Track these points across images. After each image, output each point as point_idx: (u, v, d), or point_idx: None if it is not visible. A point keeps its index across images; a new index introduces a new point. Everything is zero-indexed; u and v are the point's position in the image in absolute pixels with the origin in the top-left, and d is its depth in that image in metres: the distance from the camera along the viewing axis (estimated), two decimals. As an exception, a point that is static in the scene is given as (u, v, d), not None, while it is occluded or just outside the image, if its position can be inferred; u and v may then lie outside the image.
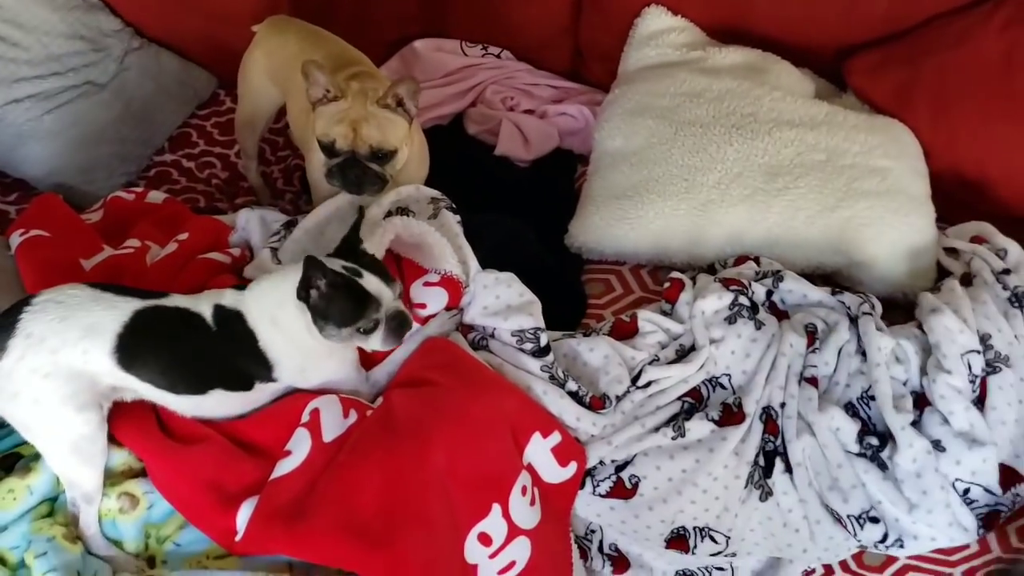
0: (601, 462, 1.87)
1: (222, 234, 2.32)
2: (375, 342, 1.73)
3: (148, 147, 2.84)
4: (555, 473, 1.82)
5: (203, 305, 1.76)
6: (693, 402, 1.95)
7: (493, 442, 1.76)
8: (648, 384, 1.93)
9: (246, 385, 1.77)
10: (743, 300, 2.05)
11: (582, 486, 1.86)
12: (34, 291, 2.00)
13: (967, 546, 1.88)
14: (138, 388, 1.71)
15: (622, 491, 1.86)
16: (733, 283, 2.07)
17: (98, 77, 2.76)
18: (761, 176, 2.30)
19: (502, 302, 1.96)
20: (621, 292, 2.33)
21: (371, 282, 1.70)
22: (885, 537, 1.83)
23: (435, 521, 1.67)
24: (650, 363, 1.97)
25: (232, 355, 1.74)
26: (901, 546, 1.84)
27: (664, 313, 2.13)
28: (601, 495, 1.86)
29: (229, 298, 1.78)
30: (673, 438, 1.87)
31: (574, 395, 1.89)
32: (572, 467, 1.82)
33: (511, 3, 2.88)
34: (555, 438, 1.81)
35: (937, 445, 1.85)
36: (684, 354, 2.01)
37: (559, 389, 1.88)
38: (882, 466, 1.85)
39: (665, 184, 2.34)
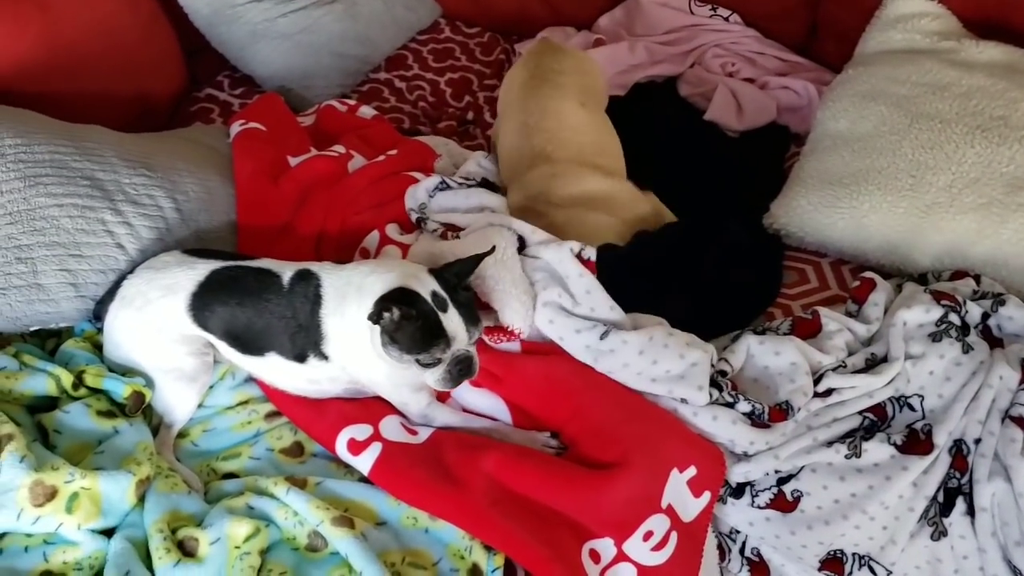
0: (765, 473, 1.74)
1: (428, 159, 2.34)
2: (431, 379, 1.65)
3: (366, 64, 2.91)
4: (691, 508, 1.68)
5: (287, 268, 1.79)
6: (875, 419, 1.78)
7: (626, 489, 1.64)
8: (828, 392, 1.77)
9: (300, 356, 1.75)
10: (953, 318, 1.84)
11: (739, 496, 1.74)
12: (241, 177, 2.13)
13: None
14: (216, 345, 1.81)
15: (782, 504, 1.72)
16: (945, 298, 1.87)
17: (332, -11, 2.83)
18: (1001, 186, 2.05)
19: (660, 368, 1.75)
20: (816, 286, 2.16)
21: (452, 320, 1.61)
22: (1072, 611, 1.61)
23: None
24: (834, 369, 1.80)
25: (292, 317, 1.74)
26: (1090, 625, 1.61)
27: (849, 315, 1.96)
28: (759, 507, 1.73)
29: (318, 265, 1.79)
30: (847, 456, 1.71)
31: (748, 414, 1.73)
32: (705, 497, 1.68)
33: (753, -36, 2.74)
34: (691, 471, 1.68)
35: None
36: (875, 364, 1.83)
37: (730, 411, 1.73)
38: (1086, 533, 1.62)
39: (888, 177, 2.14)
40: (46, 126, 1.95)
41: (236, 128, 2.31)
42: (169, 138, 2.26)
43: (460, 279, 1.66)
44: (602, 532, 1.63)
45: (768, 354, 1.80)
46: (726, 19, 2.84)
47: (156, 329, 1.78)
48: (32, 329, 1.82)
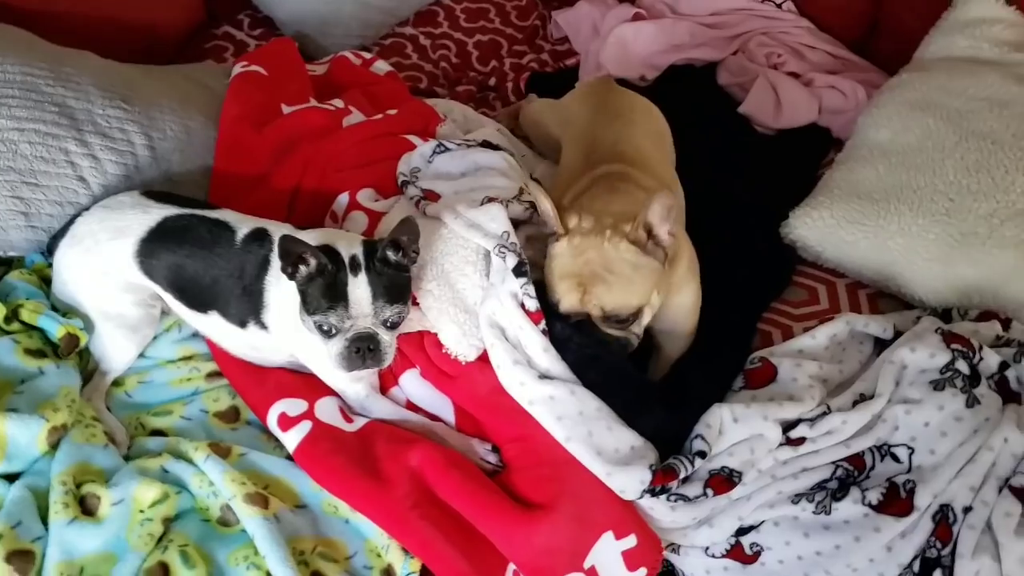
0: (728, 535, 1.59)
1: (431, 122, 2.19)
2: (332, 351, 1.52)
3: (392, 16, 2.76)
4: None
5: (245, 224, 1.68)
6: (851, 469, 1.59)
7: (549, 537, 1.49)
8: (802, 440, 1.59)
9: (240, 320, 1.65)
10: (961, 365, 1.63)
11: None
12: (225, 121, 2.02)
13: None
14: (161, 295, 1.72)
15: (740, 555, 1.58)
16: (957, 341, 1.66)
17: (362, -67, 2.69)
18: (1049, 223, 1.83)
19: (590, 445, 1.53)
20: (825, 307, 1.96)
21: (358, 286, 1.49)
22: None
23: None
24: (812, 420, 1.61)
25: (239, 278, 1.63)
26: None
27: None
28: (714, 556, 1.59)
29: (276, 226, 1.67)
30: (814, 513, 1.55)
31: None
32: (641, 573, 1.51)
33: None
34: (630, 541, 1.51)
35: None
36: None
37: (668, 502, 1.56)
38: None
39: (923, 198, 1.92)
40: (27, 46, 1.87)
41: (236, 70, 2.21)
42: (166, 73, 2.16)
43: (384, 249, 1.53)
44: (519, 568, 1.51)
45: (739, 430, 1.59)
46: (779, 5, 2.62)
47: (102, 273, 1.69)
48: (-24, 256, 1.75)
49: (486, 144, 1.99)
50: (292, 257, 1.48)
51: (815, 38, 2.56)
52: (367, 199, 1.89)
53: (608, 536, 1.51)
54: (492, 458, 1.61)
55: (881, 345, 1.81)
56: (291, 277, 1.51)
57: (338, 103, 2.18)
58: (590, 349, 1.60)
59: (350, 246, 1.54)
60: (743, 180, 2.21)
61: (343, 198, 1.90)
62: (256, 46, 2.63)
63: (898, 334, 1.79)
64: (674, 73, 2.56)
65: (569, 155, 1.99)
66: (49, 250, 1.78)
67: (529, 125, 2.32)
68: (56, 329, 1.64)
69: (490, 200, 1.72)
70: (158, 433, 1.67)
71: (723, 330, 1.81)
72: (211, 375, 1.75)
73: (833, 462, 1.59)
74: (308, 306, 1.51)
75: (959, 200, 1.90)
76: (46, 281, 1.78)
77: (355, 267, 1.51)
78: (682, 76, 2.54)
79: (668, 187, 1.85)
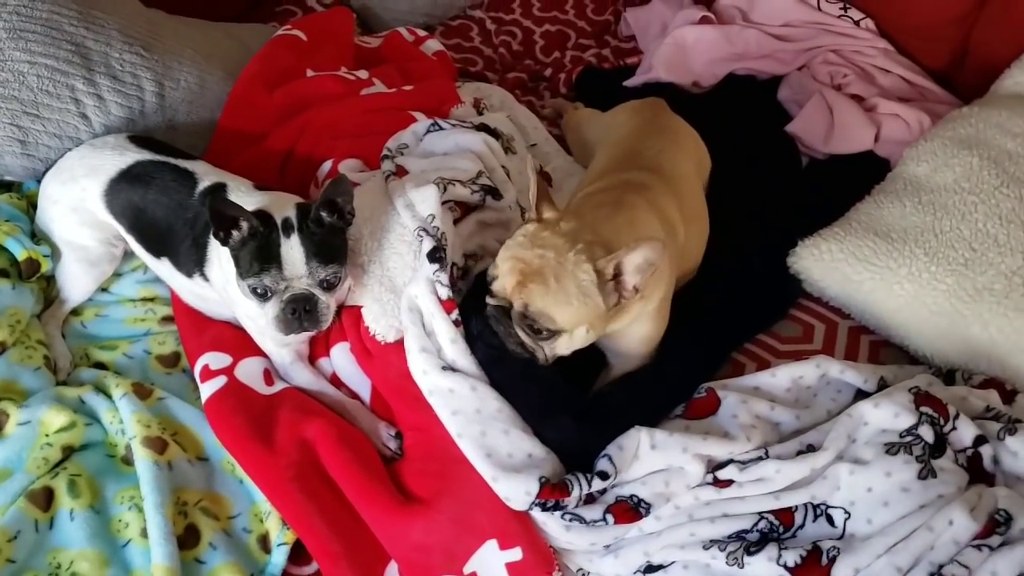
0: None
1: (446, 102, 2.15)
2: (269, 315, 1.51)
3: (466, -1, 2.74)
4: None
5: (208, 176, 1.69)
6: (776, 524, 1.42)
7: (423, 534, 1.42)
8: (729, 483, 1.44)
9: (188, 271, 1.67)
10: (925, 432, 1.42)
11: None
12: (242, 79, 2.06)
13: None
14: (124, 236, 1.76)
15: (646, 590, 1.46)
16: (930, 404, 1.45)
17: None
18: (1081, 290, 1.58)
19: (482, 445, 1.46)
20: (816, 348, 1.78)
21: (291, 247, 1.47)
22: None
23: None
24: (744, 463, 1.45)
25: (191, 229, 1.64)
26: None
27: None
28: None
29: (237, 183, 1.68)
30: (727, 564, 1.40)
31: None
32: None
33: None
34: (515, 553, 1.40)
35: None
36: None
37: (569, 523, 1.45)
38: None
39: (944, 244, 1.72)
40: (68, -15, 1.96)
41: (278, 32, 2.25)
42: (207, 28, 2.23)
43: (318, 210, 1.51)
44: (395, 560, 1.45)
45: (655, 459, 1.46)
46: (856, 23, 2.39)
47: (72, 208, 1.76)
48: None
49: (482, 127, 1.93)
50: (225, 221, 1.48)
51: (890, 61, 2.32)
52: (349, 170, 1.87)
53: (491, 544, 1.42)
54: (393, 444, 1.56)
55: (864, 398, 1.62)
56: (223, 242, 1.50)
57: (362, 74, 2.18)
58: (496, 351, 1.51)
59: (283, 209, 1.52)
60: (771, 203, 2.03)
61: (326, 165, 1.89)
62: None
63: (886, 389, 1.60)
64: (732, 83, 2.40)
65: (602, 158, 1.90)
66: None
67: (569, 129, 2.26)
68: (19, 252, 1.72)
69: (442, 180, 1.66)
70: (100, 366, 1.72)
71: (686, 354, 1.67)
72: (165, 319, 1.79)
73: (758, 512, 1.43)
74: (241, 270, 1.51)
75: (982, 251, 1.68)
76: (35, 208, 1.87)
77: (287, 229, 1.50)
78: (739, 87, 2.38)
79: (700, 216, 1.78)
